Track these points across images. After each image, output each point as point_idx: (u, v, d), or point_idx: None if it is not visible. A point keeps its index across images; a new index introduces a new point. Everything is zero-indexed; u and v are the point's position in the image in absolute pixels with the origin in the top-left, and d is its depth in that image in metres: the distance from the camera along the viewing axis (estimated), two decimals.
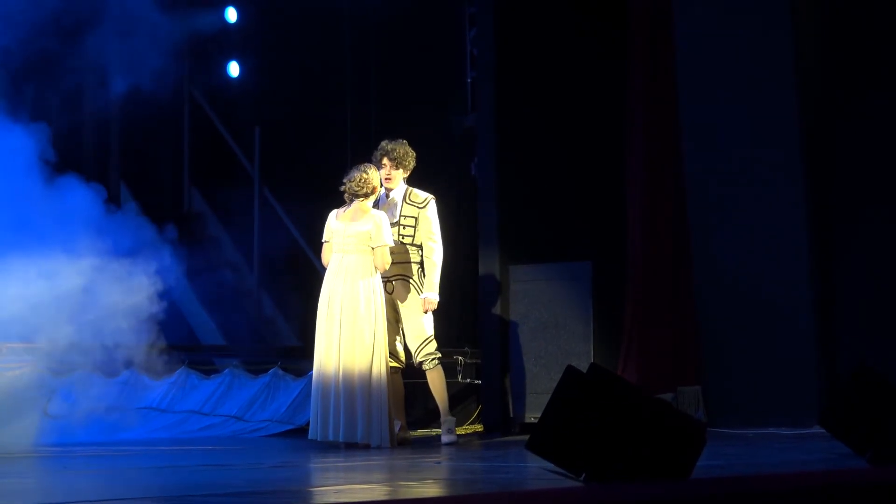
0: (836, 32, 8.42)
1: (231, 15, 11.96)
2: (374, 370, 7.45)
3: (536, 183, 9.63)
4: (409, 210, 8.04)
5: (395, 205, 8.06)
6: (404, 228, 8.03)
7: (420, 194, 8.08)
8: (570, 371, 3.91)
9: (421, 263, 7.99)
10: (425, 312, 7.92)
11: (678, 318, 8.99)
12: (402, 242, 7.98)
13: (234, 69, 12.17)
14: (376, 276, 7.58)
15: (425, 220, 8.01)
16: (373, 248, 7.55)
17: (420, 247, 8.00)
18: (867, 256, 8.25)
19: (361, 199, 7.66)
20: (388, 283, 7.98)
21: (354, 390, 7.42)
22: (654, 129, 9.20)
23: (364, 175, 7.65)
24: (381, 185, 7.78)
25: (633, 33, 9.33)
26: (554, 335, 9.02)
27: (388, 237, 7.59)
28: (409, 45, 11.00)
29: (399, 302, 7.99)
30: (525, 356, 9.08)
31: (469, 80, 10.45)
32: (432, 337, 7.98)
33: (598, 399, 3.85)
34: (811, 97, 8.37)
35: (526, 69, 9.69)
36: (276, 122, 11.80)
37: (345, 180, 7.69)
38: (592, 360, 8.44)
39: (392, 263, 7.91)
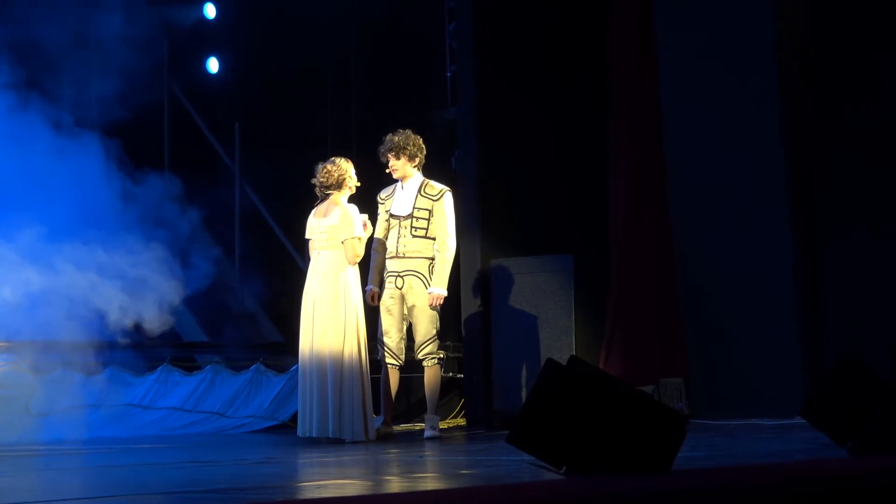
0: (820, 36, 8.44)
1: (210, 11, 11.94)
2: (346, 364, 7.45)
3: (518, 176, 9.64)
4: (423, 202, 8.03)
5: (410, 197, 8.07)
6: (417, 221, 8.02)
7: (436, 186, 8.10)
8: (550, 364, 3.93)
9: (432, 259, 8.01)
10: (430, 307, 7.93)
11: (661, 310, 9.02)
12: (414, 236, 7.99)
13: (213, 65, 12.15)
14: (349, 269, 7.57)
15: (440, 212, 8.02)
16: (342, 242, 7.56)
17: (434, 240, 8.02)
18: (851, 246, 8.28)
19: (334, 192, 7.66)
20: (399, 279, 8.00)
21: (326, 385, 7.44)
22: (637, 120, 9.23)
23: (329, 167, 7.65)
24: (354, 176, 7.75)
25: (615, 23, 9.35)
26: (536, 328, 9.04)
27: (358, 229, 7.56)
28: (388, 40, 11.00)
29: (408, 298, 8.00)
30: (508, 350, 9.10)
31: (449, 74, 10.45)
32: (436, 337, 8.02)
33: (577, 392, 3.87)
34: (794, 91, 8.39)
35: (506, 62, 9.70)
36: (255, 117, 11.79)
37: (315, 174, 7.72)
38: (574, 353, 8.47)
39: (403, 258, 7.93)
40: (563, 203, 9.60)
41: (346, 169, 7.70)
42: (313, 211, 7.76)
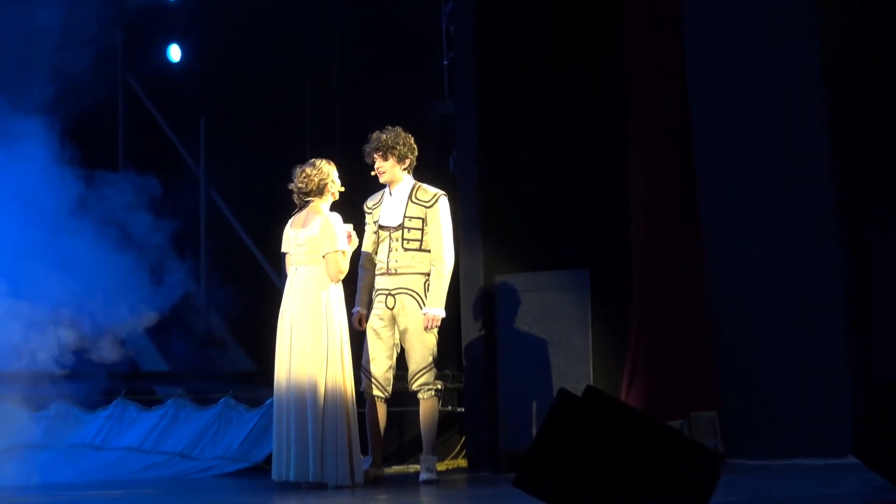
0: (865, 17, 8.49)
1: None
2: (329, 397, 7.44)
3: (525, 179, 9.64)
4: (414, 210, 8.05)
5: (400, 204, 8.08)
6: (409, 232, 8.03)
7: (429, 190, 8.11)
8: (564, 395, 3.96)
9: (428, 274, 8.02)
10: (426, 330, 7.95)
11: (691, 334, 9.03)
12: (406, 249, 8.01)
13: (174, 53, 12.18)
14: (331, 288, 7.58)
15: (434, 221, 8.04)
16: (324, 256, 7.57)
17: (430, 253, 8.03)
18: None
19: (314, 198, 7.67)
20: (390, 298, 8.01)
21: (305, 421, 7.42)
22: (660, 114, 9.25)
23: (308, 170, 7.66)
24: (337, 181, 7.77)
25: (634, 3, 9.39)
26: (548, 354, 9.05)
27: (341, 241, 7.56)
28: (376, 24, 11.04)
29: (400, 320, 8.01)
30: (515, 379, 9.11)
31: (445, 62, 10.48)
32: (433, 365, 8.02)
33: (595, 427, 3.90)
34: (839, 85, 8.43)
35: (512, 48, 9.71)
36: (223, 112, 11.82)
37: (293, 178, 7.73)
38: (591, 383, 8.49)
39: (394, 274, 7.94)
40: (578, 210, 9.59)
41: (327, 172, 7.72)
42: (290, 221, 7.78)
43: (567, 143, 9.68)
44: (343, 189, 7.79)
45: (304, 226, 7.65)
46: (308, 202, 7.69)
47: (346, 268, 7.61)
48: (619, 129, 9.36)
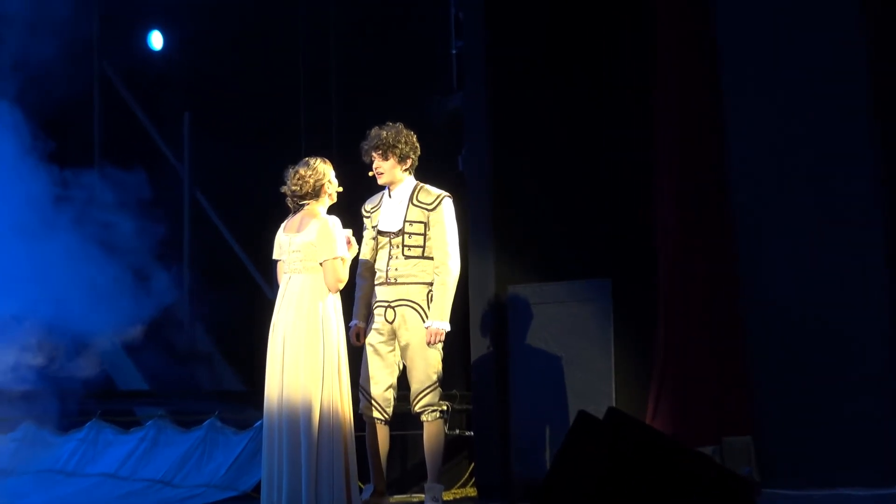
0: None
1: None
2: (325, 420, 7.42)
3: (541, 181, 9.64)
4: (415, 213, 8.02)
5: (400, 207, 8.07)
6: (409, 238, 8.01)
7: (431, 191, 8.07)
8: (584, 417, 3.97)
9: (431, 284, 8.01)
10: (429, 345, 7.94)
11: (723, 350, 9.04)
12: (407, 256, 8.00)
13: (156, 40, 12.20)
14: (329, 299, 7.57)
15: (437, 224, 8.01)
16: (321, 264, 7.57)
17: (433, 261, 8.02)
18: None
19: (309, 201, 7.67)
20: (389, 310, 8.01)
21: (298, 446, 7.41)
22: (690, 113, 9.26)
23: (302, 170, 7.64)
24: (334, 181, 7.75)
25: None
26: (566, 373, 9.06)
27: (341, 247, 7.53)
28: (377, 9, 11.05)
29: (401, 335, 8.01)
30: (529, 400, 9.12)
31: (454, 52, 10.49)
32: (438, 385, 8.01)
33: (618, 452, 3.91)
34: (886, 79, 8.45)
35: (527, 36, 9.70)
36: (210, 106, 11.83)
37: (285, 180, 7.72)
38: (613, 404, 8.49)
39: (395, 284, 7.94)
40: (599, 215, 9.59)
41: (323, 172, 7.69)
42: (283, 225, 7.76)
43: (588, 142, 9.66)
44: (341, 190, 7.75)
45: (298, 230, 7.63)
46: (303, 205, 7.67)
47: (345, 276, 7.59)
48: (644, 127, 9.35)
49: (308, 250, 7.54)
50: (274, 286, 8.01)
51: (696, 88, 9.18)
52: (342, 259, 7.54)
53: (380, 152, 8.04)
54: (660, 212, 9.32)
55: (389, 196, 8.10)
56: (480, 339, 9.43)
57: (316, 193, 7.64)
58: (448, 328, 7.97)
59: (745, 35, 8.85)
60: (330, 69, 11.40)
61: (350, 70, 11.28)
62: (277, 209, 7.96)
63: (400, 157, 8.04)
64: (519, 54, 9.68)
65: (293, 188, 7.64)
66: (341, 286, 7.56)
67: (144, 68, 12.19)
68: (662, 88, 9.33)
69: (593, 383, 8.90)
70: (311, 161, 7.69)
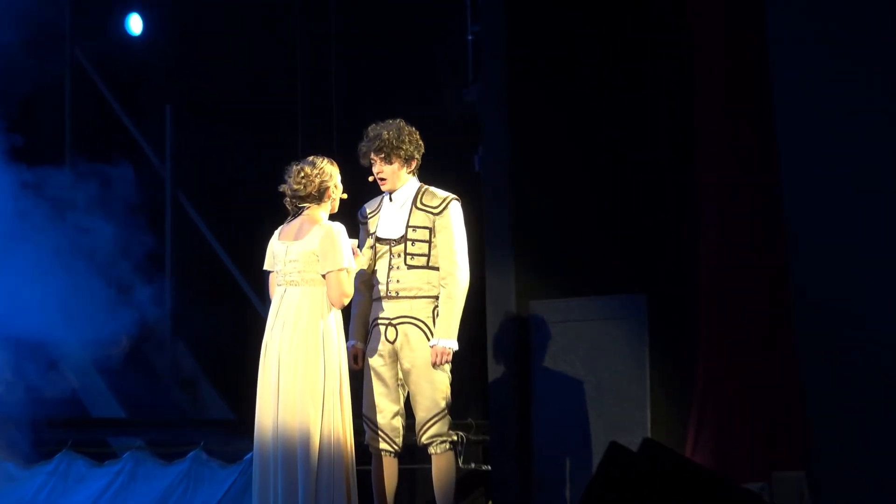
0: None
1: None
2: (325, 453, 7.42)
3: (567, 182, 9.65)
4: (419, 218, 7.96)
5: (402, 212, 8.04)
6: (413, 245, 7.95)
7: (437, 194, 7.99)
8: (616, 449, 3.99)
9: (438, 298, 7.98)
10: (434, 367, 7.91)
11: (772, 374, 9.05)
12: (410, 266, 7.97)
13: (135, 24, 12.24)
14: (331, 316, 7.56)
15: (443, 231, 7.94)
16: (323, 276, 7.56)
17: (438, 272, 7.98)
18: None
19: (311, 205, 7.66)
20: (391, 329, 7.99)
21: (295, 482, 7.40)
22: (735, 106, 9.28)
23: (307, 169, 7.62)
24: (340, 185, 7.73)
25: None
26: (595, 399, 9.08)
27: (346, 258, 7.50)
28: None
29: (403, 356, 8.00)
30: (553, 429, 9.12)
31: (470, 38, 10.51)
32: (446, 412, 7.98)
33: (654, 488, 3.93)
34: None
35: (555, 18, 9.70)
36: (195, 97, 11.86)
37: (285, 178, 7.71)
38: (648, 434, 8.50)
39: (396, 298, 7.92)
40: (632, 220, 9.59)
41: (330, 174, 7.66)
42: (279, 231, 7.73)
43: (620, 140, 9.66)
44: (346, 197, 7.74)
45: (297, 237, 7.61)
46: (302, 209, 7.67)
47: (351, 291, 7.56)
48: (683, 123, 9.34)
49: (308, 260, 7.53)
50: (266, 301, 8.01)
51: (742, 81, 9.20)
52: (347, 270, 7.53)
53: (382, 155, 7.93)
54: (702, 218, 9.33)
55: (390, 199, 8.03)
56: (498, 362, 9.44)
57: (319, 196, 7.63)
58: (456, 347, 7.91)
59: (797, 26, 8.87)
60: (329, 57, 11.42)
61: (352, 59, 11.29)
62: (270, 215, 7.97)
63: (405, 158, 7.96)
64: (544, 41, 9.67)
65: (295, 187, 7.60)
66: (346, 301, 7.55)
67: (122, 55, 12.21)
68: (703, 82, 9.35)
69: (626, 411, 8.91)
70: (318, 161, 7.67)
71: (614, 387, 8.99)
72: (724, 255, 9.17)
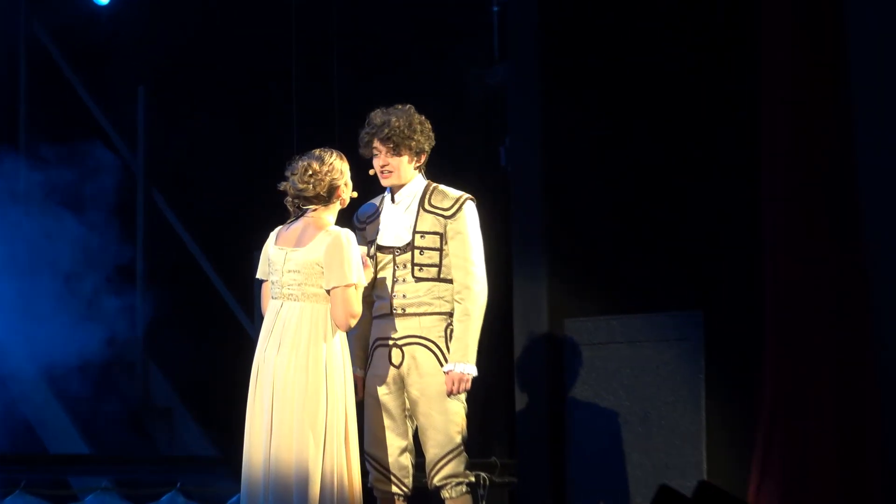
0: None
1: None
2: (326, 496, 7.40)
3: (608, 181, 9.68)
4: (427, 222, 7.89)
5: (407, 215, 8.02)
6: (421, 254, 7.86)
7: (449, 193, 7.90)
8: (666, 493, 4.04)
9: (451, 315, 7.96)
10: (449, 396, 7.90)
11: (847, 412, 9.09)
12: (418, 279, 7.95)
13: None
14: (336, 338, 7.55)
15: (457, 237, 7.85)
16: (328, 291, 7.55)
17: (451, 284, 7.95)
18: None
19: (316, 206, 7.64)
20: (396, 352, 7.99)
21: None
22: (808, 101, 9.32)
23: (315, 165, 7.58)
24: (350, 183, 7.72)
25: None
26: (641, 434, 9.11)
27: (355, 272, 7.46)
28: None
29: (410, 383, 8.01)
30: (593, 470, 9.16)
31: (495, 8, 10.54)
32: (462, 448, 7.96)
33: None
34: None
35: None
36: (172, 78, 11.91)
37: (286, 174, 7.67)
38: (705, 476, 8.54)
39: (402, 316, 7.91)
40: (684, 226, 9.61)
41: (341, 171, 7.58)
42: (275, 235, 7.66)
43: (670, 133, 9.68)
44: (356, 195, 7.68)
45: (298, 244, 7.56)
46: (306, 210, 7.66)
47: (359, 310, 7.45)
48: (746, 117, 9.36)
49: (311, 272, 7.48)
50: (256, 316, 8.03)
51: (816, 74, 9.25)
52: (355, 286, 7.48)
53: (391, 145, 7.85)
54: (767, 223, 9.37)
55: (392, 200, 7.96)
56: (526, 391, 9.47)
57: (328, 197, 7.57)
58: (475, 373, 7.84)
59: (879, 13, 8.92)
60: (330, 33, 11.44)
61: (356, 37, 11.31)
62: (261, 217, 7.98)
63: (415, 151, 7.88)
64: (586, 9, 9.69)
65: (301, 186, 7.51)
66: (353, 322, 7.46)
67: (86, 28, 12.25)
68: (772, 72, 9.39)
69: (678, 448, 8.94)
70: (327, 156, 7.57)
71: (664, 419, 9.02)
72: (792, 267, 9.22)
